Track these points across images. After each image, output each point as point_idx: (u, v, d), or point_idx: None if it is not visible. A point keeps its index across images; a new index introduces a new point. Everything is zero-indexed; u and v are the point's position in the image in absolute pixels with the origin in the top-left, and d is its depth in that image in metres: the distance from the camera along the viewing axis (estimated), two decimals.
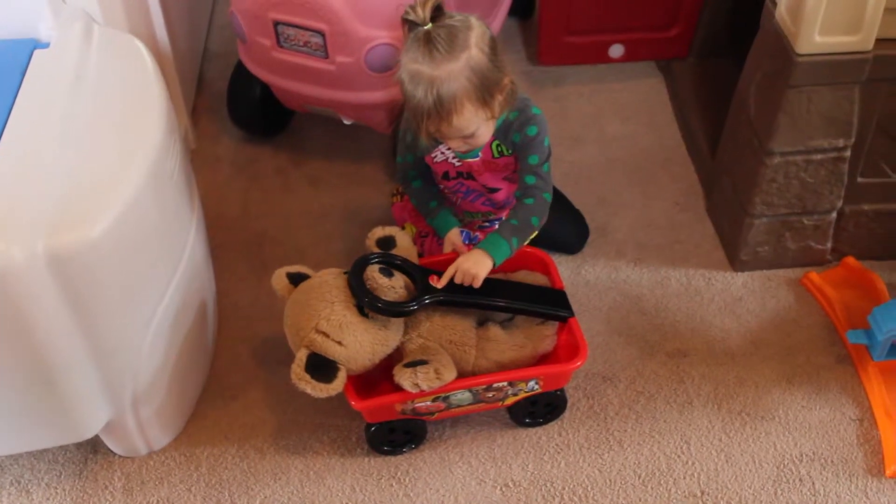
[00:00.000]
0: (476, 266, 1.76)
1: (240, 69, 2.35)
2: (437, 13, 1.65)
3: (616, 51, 2.65)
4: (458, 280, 1.76)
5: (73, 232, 1.44)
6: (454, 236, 1.92)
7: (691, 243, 2.23)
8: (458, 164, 1.90)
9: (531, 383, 1.78)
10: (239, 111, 2.44)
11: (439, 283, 1.76)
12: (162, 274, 1.68)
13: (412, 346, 1.77)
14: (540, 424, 1.87)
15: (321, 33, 2.04)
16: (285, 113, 2.45)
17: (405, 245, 1.81)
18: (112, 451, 1.82)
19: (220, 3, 2.91)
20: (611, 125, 2.54)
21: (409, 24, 1.66)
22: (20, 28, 1.75)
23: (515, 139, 1.84)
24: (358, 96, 2.16)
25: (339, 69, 2.10)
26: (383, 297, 1.69)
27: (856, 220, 2.11)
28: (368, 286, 1.69)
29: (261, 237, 2.23)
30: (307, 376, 1.64)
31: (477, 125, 1.72)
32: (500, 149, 1.87)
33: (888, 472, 1.80)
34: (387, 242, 1.79)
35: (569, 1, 2.50)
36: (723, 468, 1.82)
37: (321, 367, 1.66)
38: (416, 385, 1.66)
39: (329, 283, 1.72)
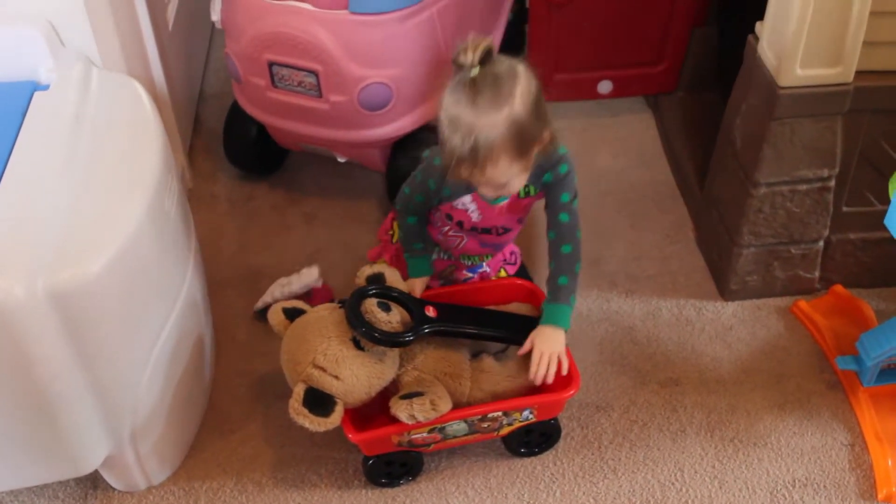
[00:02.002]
0: (555, 345, 1.76)
1: (235, 109, 2.39)
2: (487, 57, 1.60)
3: (605, 87, 2.69)
4: (544, 365, 1.75)
5: (73, 269, 1.46)
6: (419, 284, 1.91)
7: (682, 274, 2.26)
8: (475, 219, 1.87)
9: (525, 412, 1.80)
10: (235, 150, 2.47)
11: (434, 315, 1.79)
12: (160, 310, 1.71)
13: (408, 378, 1.79)
14: (535, 454, 1.89)
15: (315, 73, 2.08)
16: (281, 151, 2.49)
17: (395, 280, 1.83)
18: (112, 487, 1.83)
19: (216, 45, 2.95)
20: (601, 160, 2.57)
21: (457, 67, 1.61)
22: (20, 71, 1.79)
23: (547, 179, 1.80)
24: (351, 135, 2.20)
25: (332, 108, 2.13)
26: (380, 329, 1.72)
27: (843, 248, 2.14)
28: (366, 319, 1.71)
29: (257, 273, 2.26)
30: (305, 411, 1.66)
31: (510, 176, 1.67)
32: (527, 189, 1.82)
33: (880, 496, 1.82)
34: (377, 279, 1.82)
35: (557, 38, 2.55)
36: (716, 495, 1.83)
37: (319, 401, 1.68)
38: (413, 416, 1.68)
39: (325, 317, 1.74)
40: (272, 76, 2.14)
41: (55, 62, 1.80)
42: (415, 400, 1.69)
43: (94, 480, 1.83)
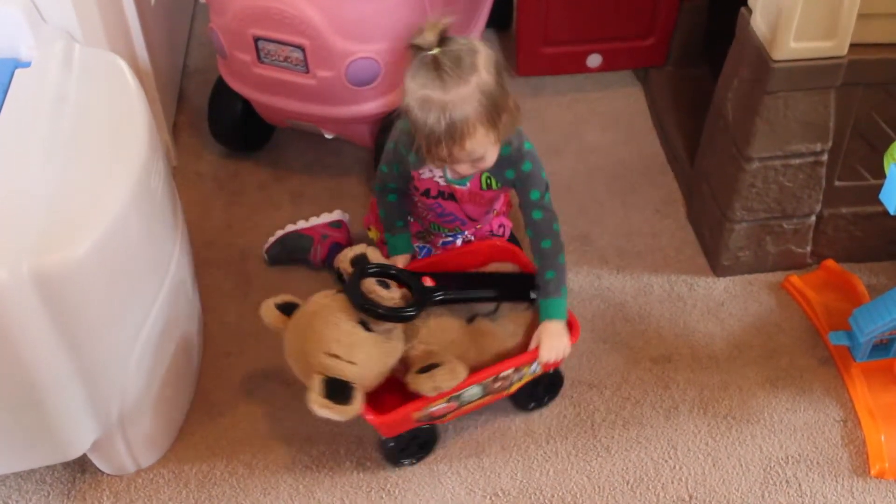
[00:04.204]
0: (559, 338, 1.78)
1: (220, 85, 2.35)
2: (444, 38, 1.63)
3: (594, 60, 2.67)
4: (552, 360, 1.78)
5: (59, 251, 1.43)
6: (401, 261, 1.93)
7: (673, 250, 2.25)
8: (442, 183, 1.90)
9: (534, 366, 1.80)
10: (220, 127, 2.44)
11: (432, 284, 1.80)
12: (147, 291, 1.68)
13: (415, 352, 1.77)
14: (545, 404, 1.91)
15: (301, 48, 2.05)
16: (267, 128, 2.46)
17: (377, 258, 1.82)
18: (100, 470, 1.81)
19: (199, 19, 2.91)
20: (590, 134, 2.56)
21: (415, 49, 1.63)
22: (1, 48, 1.75)
23: (509, 175, 1.83)
24: (339, 110, 2.17)
25: (319, 84, 2.10)
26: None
27: (835, 223, 2.13)
28: (371, 298, 1.69)
29: (244, 253, 2.23)
30: (329, 402, 1.62)
31: (486, 146, 1.70)
32: (489, 181, 1.87)
33: (873, 472, 1.82)
34: (360, 260, 1.80)
35: (546, 12, 2.52)
36: (710, 472, 1.83)
37: (337, 390, 1.65)
38: (436, 388, 1.67)
39: (328, 305, 1.72)
40: (258, 51, 2.11)
41: (36, 39, 1.76)
42: (436, 371, 1.68)
43: (82, 464, 1.81)
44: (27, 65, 1.73)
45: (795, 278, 2.14)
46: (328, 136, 2.32)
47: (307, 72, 2.09)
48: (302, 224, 2.20)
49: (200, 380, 1.97)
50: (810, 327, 2.07)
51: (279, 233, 2.19)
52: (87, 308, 1.51)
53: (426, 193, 1.93)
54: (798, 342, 2.05)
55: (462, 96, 1.62)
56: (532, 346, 1.80)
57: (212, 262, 2.20)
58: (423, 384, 1.67)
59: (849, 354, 1.96)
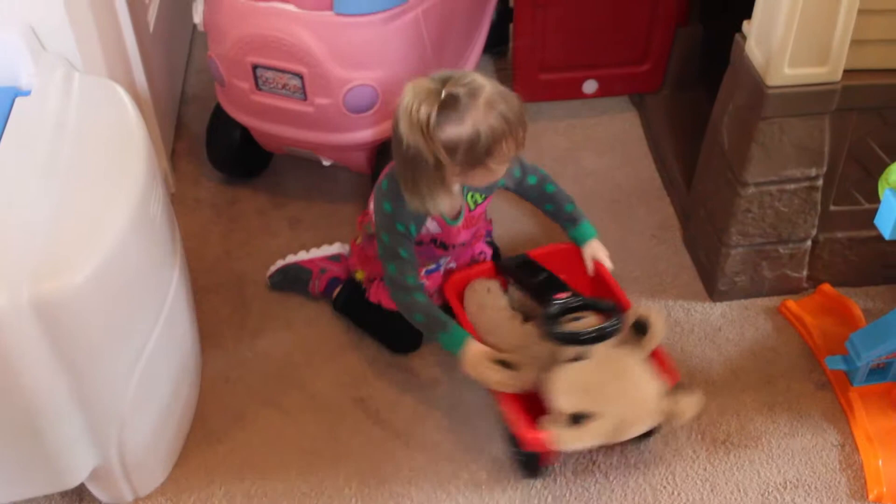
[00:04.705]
0: (601, 248, 2.03)
1: (218, 112, 2.36)
2: (447, 79, 1.66)
3: (590, 86, 2.69)
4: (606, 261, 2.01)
5: (58, 278, 1.44)
6: (479, 347, 1.81)
7: (669, 275, 2.26)
8: (435, 231, 1.90)
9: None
10: (218, 154, 2.45)
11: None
12: (146, 318, 1.68)
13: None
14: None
15: (299, 76, 2.06)
16: (265, 155, 2.47)
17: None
18: (98, 500, 1.80)
19: (198, 46, 2.93)
20: (587, 160, 2.57)
21: (429, 99, 1.63)
22: (1, 76, 1.76)
23: (502, 184, 1.89)
24: (337, 137, 2.18)
25: (317, 111, 2.12)
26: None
27: (830, 247, 2.14)
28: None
29: (242, 279, 2.24)
30: None
31: (513, 154, 1.74)
32: (474, 198, 1.91)
33: (871, 496, 1.82)
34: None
35: (542, 38, 2.54)
36: (708, 497, 1.83)
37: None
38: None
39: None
40: (256, 79, 2.12)
41: (36, 67, 1.77)
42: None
43: (80, 493, 1.80)
44: (27, 93, 1.74)
45: (792, 303, 2.15)
46: (326, 162, 2.33)
47: (305, 99, 2.11)
48: (303, 255, 2.20)
49: (199, 406, 1.97)
50: (807, 352, 2.08)
51: (280, 262, 2.20)
52: (86, 335, 1.51)
53: (419, 243, 1.91)
54: (795, 367, 2.05)
55: (485, 116, 1.65)
56: (589, 263, 2.00)
57: (210, 288, 2.21)
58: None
59: (846, 379, 1.96)
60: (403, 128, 1.65)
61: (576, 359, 1.72)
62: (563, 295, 1.83)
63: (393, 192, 1.80)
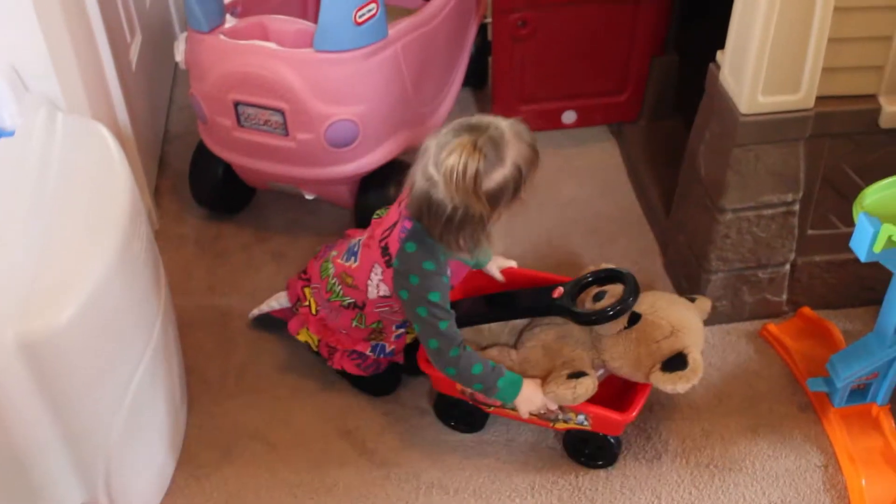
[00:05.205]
0: (500, 257, 2.05)
1: (201, 149, 2.38)
2: (468, 130, 1.62)
3: (569, 117, 2.72)
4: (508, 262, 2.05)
5: (43, 318, 1.45)
6: (533, 380, 1.83)
7: None
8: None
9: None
10: (201, 190, 2.46)
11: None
12: (131, 355, 1.69)
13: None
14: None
15: (281, 112, 2.09)
16: (247, 190, 2.48)
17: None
18: None
19: (180, 84, 2.95)
20: (567, 189, 2.59)
21: (473, 155, 1.58)
22: None
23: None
24: (319, 172, 2.20)
25: (299, 146, 2.14)
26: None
27: (809, 271, 2.16)
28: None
29: (226, 314, 2.24)
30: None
31: None
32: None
33: None
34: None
35: (521, 70, 2.58)
36: None
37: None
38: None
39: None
40: (238, 115, 2.14)
41: (19, 107, 1.79)
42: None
43: None
44: (11, 133, 1.75)
45: (773, 326, 2.17)
46: (308, 196, 2.35)
47: (287, 135, 2.13)
48: (284, 303, 2.11)
49: (185, 441, 1.97)
50: (789, 374, 2.09)
51: (265, 308, 2.15)
52: (71, 373, 1.52)
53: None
54: (777, 389, 2.07)
55: (519, 151, 1.65)
56: (496, 274, 2.03)
57: (194, 324, 2.21)
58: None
59: (827, 400, 1.98)
60: (446, 193, 1.59)
61: (631, 323, 1.82)
62: (559, 292, 1.89)
63: (427, 251, 1.71)
